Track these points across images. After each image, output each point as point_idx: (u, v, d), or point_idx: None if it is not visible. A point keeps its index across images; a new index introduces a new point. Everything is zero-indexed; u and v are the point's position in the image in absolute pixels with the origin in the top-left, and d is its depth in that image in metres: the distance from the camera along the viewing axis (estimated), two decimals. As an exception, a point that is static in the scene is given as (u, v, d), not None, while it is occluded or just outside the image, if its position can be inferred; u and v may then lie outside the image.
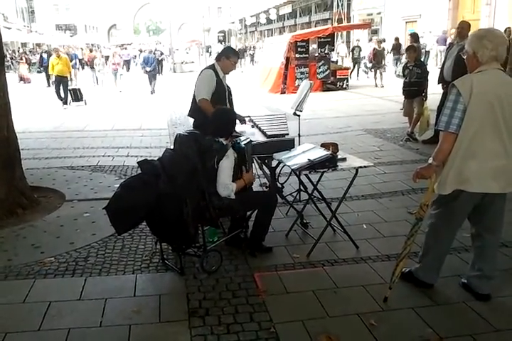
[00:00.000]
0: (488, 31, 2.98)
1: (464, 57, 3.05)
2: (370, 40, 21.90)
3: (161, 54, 29.85)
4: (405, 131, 8.28)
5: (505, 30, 12.47)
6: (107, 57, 23.15)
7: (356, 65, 20.00)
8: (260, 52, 27.53)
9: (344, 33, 29.09)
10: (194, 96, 4.91)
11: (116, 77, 19.54)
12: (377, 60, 16.40)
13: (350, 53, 20.36)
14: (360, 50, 19.48)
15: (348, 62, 24.27)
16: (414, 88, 7.88)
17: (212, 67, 4.89)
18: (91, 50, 27.43)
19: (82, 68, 29.37)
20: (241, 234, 4.07)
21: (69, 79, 14.97)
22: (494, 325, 2.93)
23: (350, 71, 18.42)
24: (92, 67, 22.31)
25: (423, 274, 3.34)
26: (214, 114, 4.01)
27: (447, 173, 2.95)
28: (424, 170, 3.01)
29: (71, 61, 20.34)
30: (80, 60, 28.65)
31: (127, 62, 29.26)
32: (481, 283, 3.19)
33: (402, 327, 2.97)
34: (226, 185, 3.63)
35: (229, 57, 4.85)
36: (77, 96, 14.97)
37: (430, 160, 2.99)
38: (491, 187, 2.92)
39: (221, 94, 4.83)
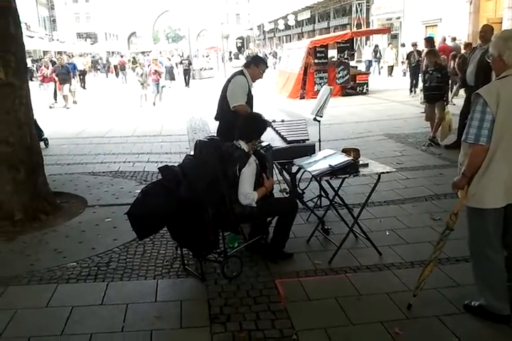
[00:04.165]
0: None
1: (489, 61, 2.98)
2: (403, 45, 19.88)
3: (189, 64, 25.00)
4: (427, 135, 8.19)
5: None
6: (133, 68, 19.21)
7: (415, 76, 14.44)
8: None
9: (363, 38, 28.99)
10: (221, 100, 4.88)
11: (158, 90, 15.94)
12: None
13: (406, 61, 16.57)
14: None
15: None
16: (435, 92, 7.80)
17: (242, 73, 4.88)
18: (121, 56, 30.85)
19: (83, 85, 24.06)
20: (261, 240, 4.04)
21: None
22: (523, 334, 2.85)
23: (410, 87, 14.88)
24: (122, 70, 27.75)
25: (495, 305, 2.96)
26: (245, 117, 4.06)
27: (476, 186, 2.86)
28: (457, 181, 2.94)
29: (67, 73, 16.19)
30: (80, 72, 23.92)
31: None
32: None
33: (426, 336, 2.91)
34: (247, 194, 3.62)
35: (258, 65, 4.86)
36: None
37: (462, 170, 2.90)
38: None
39: (250, 100, 4.84)
